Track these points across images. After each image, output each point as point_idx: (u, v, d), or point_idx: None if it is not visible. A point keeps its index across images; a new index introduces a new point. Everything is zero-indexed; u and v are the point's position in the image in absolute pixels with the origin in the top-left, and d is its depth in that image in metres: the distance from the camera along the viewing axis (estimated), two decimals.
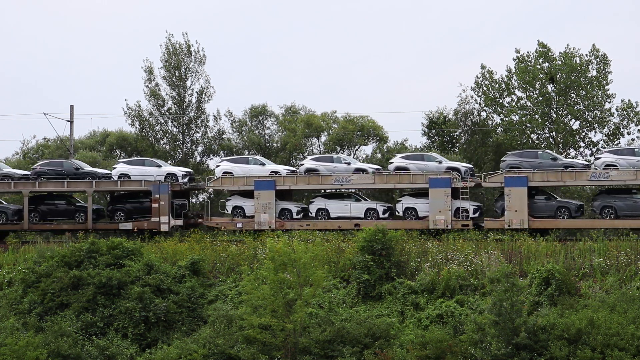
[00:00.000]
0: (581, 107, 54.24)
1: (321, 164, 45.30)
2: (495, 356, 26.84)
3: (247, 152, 60.14)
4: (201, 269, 36.09)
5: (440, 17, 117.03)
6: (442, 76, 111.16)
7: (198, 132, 59.81)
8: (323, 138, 60.16)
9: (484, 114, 56.86)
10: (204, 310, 33.69)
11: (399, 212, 43.32)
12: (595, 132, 55.02)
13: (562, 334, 27.23)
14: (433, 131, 56.83)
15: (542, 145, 53.71)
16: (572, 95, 54.41)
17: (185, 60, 58.73)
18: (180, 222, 44.45)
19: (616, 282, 31.97)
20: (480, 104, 56.60)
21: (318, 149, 59.84)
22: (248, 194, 44.66)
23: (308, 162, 46.04)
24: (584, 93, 54.05)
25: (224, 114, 61.67)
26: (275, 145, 60.71)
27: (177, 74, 58.71)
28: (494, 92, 56.01)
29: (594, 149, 54.81)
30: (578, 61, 54.28)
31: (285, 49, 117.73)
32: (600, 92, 53.99)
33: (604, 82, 54.20)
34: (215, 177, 45.80)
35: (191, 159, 58.78)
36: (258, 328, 29.50)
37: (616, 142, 54.93)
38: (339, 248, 36.84)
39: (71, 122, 55.89)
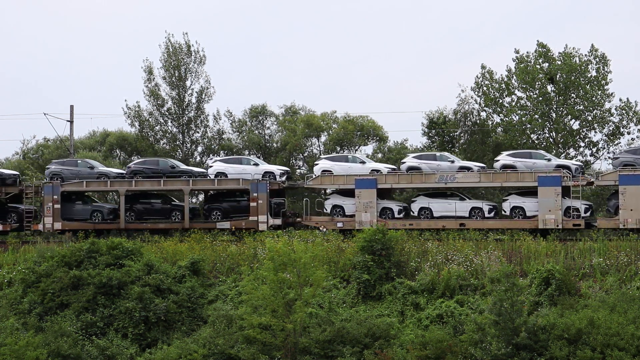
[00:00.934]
0: (581, 107, 54.25)
1: (424, 162, 44.16)
2: (495, 356, 26.84)
3: (247, 152, 60.18)
4: (201, 269, 36.08)
5: (440, 17, 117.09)
6: (442, 76, 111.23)
7: (198, 132, 59.83)
8: (323, 138, 60.19)
9: (483, 114, 56.88)
10: (204, 310, 33.69)
11: (505, 211, 42.47)
12: (595, 132, 55.05)
13: (562, 334, 27.23)
14: (433, 131, 56.82)
15: (542, 146, 53.70)
16: (572, 95, 54.43)
17: (185, 60, 58.73)
18: (278, 221, 43.66)
19: (616, 282, 31.97)
20: (480, 104, 56.62)
21: (318, 149, 59.86)
22: (347, 193, 43.87)
23: (410, 160, 44.78)
24: (583, 93, 54.07)
25: (223, 113, 61.73)
26: (275, 145, 60.73)
27: (177, 74, 58.71)
28: (493, 92, 56.01)
29: (594, 149, 54.88)
30: (577, 61, 54.29)
31: (285, 49, 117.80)
32: (599, 92, 54.00)
33: (603, 82, 54.22)
34: (315, 176, 44.89)
35: (191, 159, 58.77)
36: (258, 328, 29.49)
37: (616, 142, 54.98)
38: (339, 248, 36.83)
39: (71, 122, 55.91)
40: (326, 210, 44.60)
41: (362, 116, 60.12)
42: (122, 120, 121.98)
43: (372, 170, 44.34)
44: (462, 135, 57.31)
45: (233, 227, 43.56)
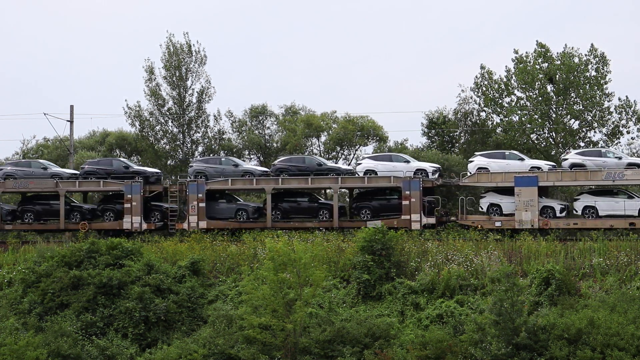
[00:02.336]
0: (580, 107, 54.26)
1: (588, 159, 42.49)
2: (495, 356, 26.84)
3: (247, 152, 60.18)
4: (201, 269, 36.08)
5: (440, 17, 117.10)
6: (442, 76, 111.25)
7: (198, 132, 59.85)
8: (323, 138, 60.22)
9: (483, 114, 56.91)
10: (204, 310, 33.69)
11: None
12: (595, 131, 55.10)
13: (562, 334, 27.22)
14: (433, 131, 56.85)
15: (542, 146, 53.73)
16: (572, 95, 54.45)
17: (186, 60, 58.75)
18: (432, 220, 42.38)
19: (616, 282, 31.96)
20: (479, 104, 56.65)
21: (318, 149, 59.88)
22: (504, 191, 42.43)
23: (573, 157, 43.02)
24: (582, 93, 54.09)
25: (224, 114, 61.75)
26: (275, 145, 60.74)
27: (177, 74, 58.73)
28: (493, 93, 56.04)
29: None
30: (577, 61, 54.30)
31: (285, 49, 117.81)
32: (599, 92, 54.01)
33: (603, 81, 54.23)
34: (470, 174, 43.45)
35: (191, 159, 58.80)
36: (258, 328, 29.49)
37: (615, 142, 55.01)
38: (339, 248, 36.83)
39: (71, 122, 55.91)
40: (482, 208, 43.17)
41: (362, 116, 60.20)
42: (122, 120, 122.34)
43: (531, 167, 43.04)
44: (462, 135, 57.34)
45: (384, 226, 42.22)
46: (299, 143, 58.43)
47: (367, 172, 44.44)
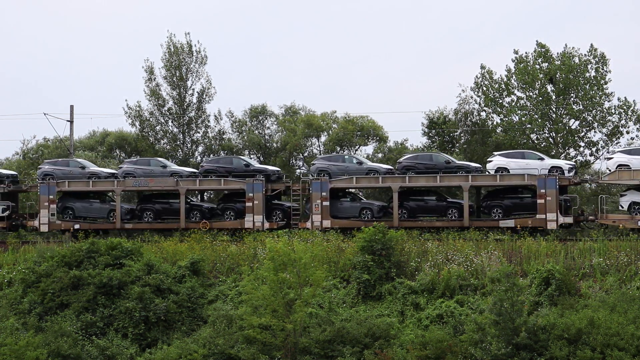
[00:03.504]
0: (580, 107, 54.27)
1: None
2: (495, 356, 26.84)
3: (247, 152, 60.18)
4: (201, 269, 36.09)
5: (440, 17, 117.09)
6: (442, 76, 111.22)
7: (198, 132, 59.86)
8: (323, 138, 60.21)
9: (483, 114, 56.91)
10: (204, 310, 33.69)
11: None
12: (595, 132, 55.10)
13: (562, 334, 27.22)
14: (433, 131, 56.84)
15: (542, 146, 53.73)
16: (572, 95, 54.46)
17: (186, 60, 58.75)
18: (569, 219, 41.02)
19: (616, 282, 31.97)
20: (480, 104, 56.66)
21: (318, 149, 59.88)
22: None
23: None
24: (582, 93, 54.10)
25: (224, 114, 61.76)
26: (275, 145, 60.74)
27: (177, 74, 58.75)
28: (493, 93, 56.05)
29: (594, 149, 54.89)
30: (577, 61, 54.31)
31: (285, 49, 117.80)
32: (599, 92, 54.01)
33: (603, 81, 54.25)
34: (610, 171, 41.49)
35: (191, 159, 58.80)
36: (258, 328, 29.49)
37: (615, 142, 55.03)
38: (339, 248, 36.84)
39: (71, 122, 55.95)
40: (622, 207, 41.40)
41: (362, 116, 60.20)
42: (122, 120, 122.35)
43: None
44: (462, 135, 57.33)
45: (518, 226, 41.00)
46: (298, 143, 58.43)
47: (498, 169, 43.14)
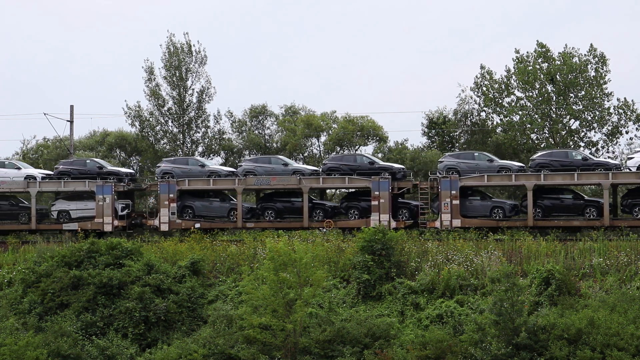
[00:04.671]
0: (580, 107, 54.30)
1: None
2: (495, 356, 26.83)
3: (247, 152, 60.19)
4: (201, 269, 36.09)
5: (440, 17, 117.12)
6: (442, 76, 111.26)
7: (198, 132, 59.87)
8: (323, 138, 60.23)
9: (483, 114, 56.94)
10: (204, 310, 33.69)
11: None
12: (595, 131, 55.14)
13: (562, 334, 27.21)
14: (433, 131, 56.86)
15: (542, 145, 53.74)
16: (571, 95, 54.49)
17: (186, 60, 58.76)
18: None
19: (616, 282, 31.96)
20: (479, 104, 56.68)
21: (318, 149, 59.90)
22: None
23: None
24: (583, 93, 54.13)
25: (224, 114, 61.77)
26: (275, 145, 60.75)
27: (177, 74, 58.76)
28: (493, 93, 56.07)
29: (593, 149, 54.90)
30: (577, 61, 54.34)
31: (285, 49, 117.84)
32: (598, 92, 54.04)
33: (602, 81, 54.29)
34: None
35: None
36: (258, 328, 29.49)
37: (615, 142, 55.08)
38: (339, 248, 36.83)
39: (71, 122, 55.95)
40: None
41: (362, 116, 60.26)
42: (122, 120, 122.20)
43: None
44: (462, 135, 57.35)
45: None
46: (298, 143, 58.44)
47: None
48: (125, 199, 47.03)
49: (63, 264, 35.06)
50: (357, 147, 59.57)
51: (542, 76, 54.47)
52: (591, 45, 54.85)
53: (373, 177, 43.02)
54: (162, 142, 59.94)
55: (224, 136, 60.86)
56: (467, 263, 34.16)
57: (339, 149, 58.77)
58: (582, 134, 55.17)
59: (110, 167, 48.22)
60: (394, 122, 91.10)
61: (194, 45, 58.90)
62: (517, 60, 55.68)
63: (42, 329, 31.98)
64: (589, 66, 54.44)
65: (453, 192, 42.02)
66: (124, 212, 46.11)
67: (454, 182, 42.17)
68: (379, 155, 57.59)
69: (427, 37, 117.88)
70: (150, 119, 59.28)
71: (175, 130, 59.52)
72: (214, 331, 31.07)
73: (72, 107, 56.02)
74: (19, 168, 47.81)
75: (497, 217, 42.36)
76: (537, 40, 55.91)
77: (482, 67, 56.64)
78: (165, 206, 44.92)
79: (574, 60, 54.35)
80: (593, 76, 54.26)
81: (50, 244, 41.00)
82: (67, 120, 55.86)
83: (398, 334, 30.47)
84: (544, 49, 55.18)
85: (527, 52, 55.64)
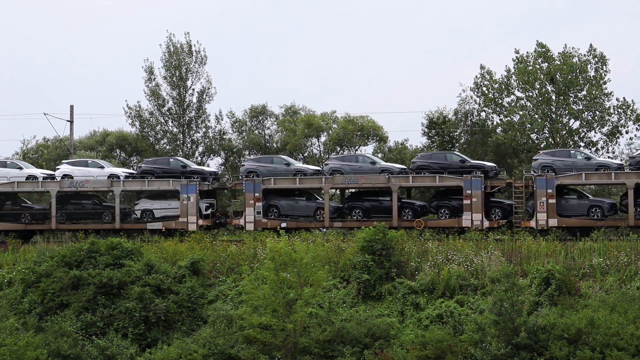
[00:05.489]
0: (580, 107, 54.32)
1: None
2: (495, 356, 26.82)
3: (247, 152, 60.19)
4: (201, 269, 36.09)
5: (440, 17, 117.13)
6: (442, 76, 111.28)
7: (199, 132, 59.89)
8: (323, 138, 60.25)
9: (483, 114, 56.95)
10: (204, 310, 33.69)
11: None
12: (595, 131, 55.16)
13: (562, 334, 27.21)
14: (433, 131, 56.88)
15: (542, 145, 53.74)
16: (571, 95, 54.51)
17: (186, 60, 58.78)
18: None
19: (616, 282, 31.95)
20: (479, 104, 56.69)
21: (318, 149, 59.93)
22: None
23: None
24: (583, 93, 54.16)
25: (225, 114, 61.83)
26: (275, 145, 60.77)
27: (177, 74, 58.78)
28: (493, 93, 56.08)
29: (593, 149, 54.93)
30: (577, 61, 54.36)
31: (285, 49, 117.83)
32: (598, 92, 54.05)
33: (602, 81, 54.31)
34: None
35: (192, 159, 58.84)
36: (258, 328, 29.49)
37: (615, 142, 55.09)
38: (339, 248, 36.83)
39: (71, 122, 55.98)
40: None
41: (362, 116, 60.34)
42: (122, 120, 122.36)
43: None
44: (462, 135, 57.36)
45: None
46: (298, 143, 58.45)
47: None
48: (208, 198, 46.52)
49: (63, 264, 35.05)
50: (357, 147, 59.59)
51: (542, 76, 54.50)
52: (591, 45, 54.95)
53: (465, 176, 42.33)
54: (162, 142, 59.98)
55: (225, 136, 60.88)
56: (467, 263, 34.16)
57: (339, 149, 58.79)
58: (582, 134, 55.17)
59: (194, 166, 47.74)
60: (394, 122, 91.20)
61: (194, 45, 58.99)
62: (517, 60, 55.71)
63: (42, 329, 31.97)
64: (589, 66, 54.46)
65: (549, 190, 40.90)
66: (208, 212, 45.69)
67: (550, 180, 41.11)
68: (379, 155, 57.60)
69: (427, 37, 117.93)
70: (151, 119, 59.31)
71: (175, 130, 59.54)
72: (214, 331, 31.07)
73: (72, 107, 56.08)
74: (102, 167, 47.39)
75: (595, 217, 41.35)
76: (537, 40, 56.01)
77: (482, 67, 56.68)
78: (250, 205, 44.26)
79: (574, 60, 54.37)
80: (593, 76, 54.29)
81: (50, 244, 41.00)
82: (67, 120, 55.89)
83: (398, 334, 30.46)
84: (543, 49, 55.20)
85: (527, 52, 55.72)
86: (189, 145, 59.73)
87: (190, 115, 59.22)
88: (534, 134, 55.22)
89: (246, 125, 61.50)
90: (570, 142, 54.80)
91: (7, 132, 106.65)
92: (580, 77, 54.14)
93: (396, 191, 43.07)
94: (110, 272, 33.88)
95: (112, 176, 46.52)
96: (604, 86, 54.35)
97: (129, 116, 59.46)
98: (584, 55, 54.70)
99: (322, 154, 59.06)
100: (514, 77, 55.68)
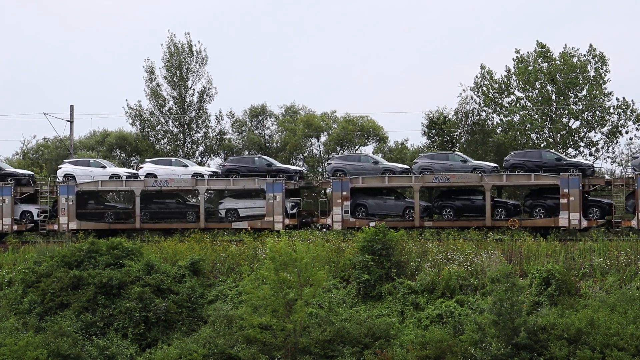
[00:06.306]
0: (580, 107, 54.31)
1: None
2: (495, 356, 26.83)
3: (247, 152, 60.16)
4: (201, 269, 36.10)
5: (440, 17, 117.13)
6: (442, 76, 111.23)
7: (199, 132, 59.88)
8: (323, 138, 60.21)
9: (483, 114, 56.92)
10: (204, 310, 33.70)
11: None
12: (595, 131, 55.12)
13: (562, 334, 27.22)
14: (433, 131, 56.83)
15: (542, 145, 53.73)
16: (571, 95, 54.50)
17: (186, 60, 58.77)
18: None
19: (616, 282, 31.97)
20: (479, 104, 56.67)
21: (318, 149, 59.88)
22: None
23: None
24: (583, 93, 54.13)
25: (226, 114, 61.79)
26: (275, 145, 60.74)
27: (178, 74, 58.77)
28: (493, 93, 56.07)
29: (593, 149, 54.91)
30: (577, 61, 54.35)
31: (285, 49, 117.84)
32: (598, 92, 54.02)
33: (602, 81, 54.30)
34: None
35: (192, 159, 58.82)
36: (258, 328, 29.49)
37: (615, 142, 55.05)
38: (339, 248, 36.83)
39: (71, 122, 55.93)
40: None
41: (362, 116, 60.21)
42: (122, 120, 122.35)
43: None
44: (462, 135, 57.31)
45: None
46: (298, 143, 58.43)
47: None
48: (293, 197, 46.04)
49: (63, 264, 35.06)
50: (357, 147, 59.55)
51: (542, 76, 54.48)
52: (591, 45, 54.91)
53: (562, 174, 41.22)
54: (162, 142, 59.97)
55: (225, 136, 60.86)
56: (467, 263, 34.16)
57: (338, 149, 58.75)
58: (582, 134, 55.16)
59: (279, 165, 47.20)
60: (394, 122, 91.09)
61: (194, 45, 58.97)
62: (517, 60, 55.69)
63: (42, 329, 31.99)
64: (589, 66, 54.44)
65: None
66: (294, 211, 45.00)
67: None
68: (379, 155, 57.59)
69: (427, 37, 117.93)
70: (151, 119, 59.30)
71: (175, 130, 59.54)
72: (214, 331, 31.08)
73: (72, 107, 56.02)
74: (185, 165, 46.96)
75: None
76: (537, 40, 55.96)
77: (482, 67, 56.64)
78: (337, 204, 43.44)
79: (574, 60, 54.35)
80: (593, 76, 54.27)
81: (50, 244, 41.00)
82: (67, 120, 55.85)
83: (398, 334, 30.47)
84: (544, 49, 55.17)
85: (527, 52, 55.68)
86: (189, 145, 59.72)
87: (190, 115, 59.21)
88: (534, 134, 55.19)
89: (246, 126, 61.48)
90: (570, 142, 54.80)
91: (7, 132, 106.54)
92: (580, 77, 54.11)
93: (489, 190, 42.18)
94: (110, 272, 33.88)
95: (196, 175, 45.94)
96: (604, 86, 54.31)
97: (130, 116, 59.49)
98: (584, 55, 54.69)
99: (322, 154, 59.05)
100: (514, 77, 55.64)
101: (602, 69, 54.46)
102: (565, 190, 40.71)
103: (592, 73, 54.34)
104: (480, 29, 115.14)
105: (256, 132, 61.35)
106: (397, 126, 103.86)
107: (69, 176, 46.87)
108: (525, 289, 31.24)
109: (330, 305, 32.49)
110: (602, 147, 54.94)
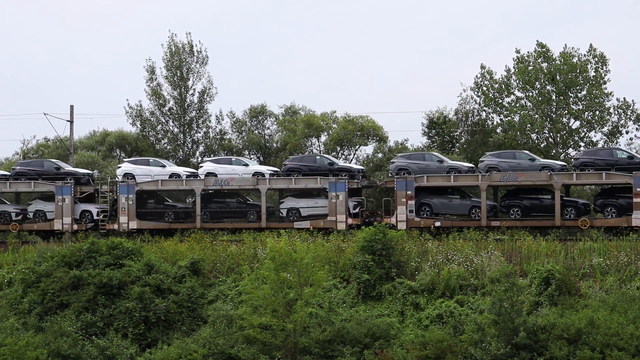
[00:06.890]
0: (580, 107, 54.33)
1: None
2: (495, 356, 26.83)
3: (247, 152, 60.19)
4: (201, 269, 36.09)
5: (440, 17, 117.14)
6: (442, 76, 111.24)
7: (199, 132, 59.89)
8: (323, 138, 60.23)
9: (483, 114, 56.93)
10: (204, 310, 33.70)
11: None
12: (595, 131, 55.16)
13: (562, 334, 27.22)
14: (433, 131, 56.85)
15: (542, 145, 53.76)
16: (571, 95, 54.52)
17: (187, 60, 58.79)
18: None
19: (616, 282, 31.96)
20: (479, 104, 56.69)
21: (318, 149, 59.88)
22: None
23: None
24: (583, 93, 54.15)
25: (226, 114, 61.80)
26: (275, 145, 60.75)
27: (178, 74, 58.79)
28: (493, 92, 56.08)
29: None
30: (577, 61, 54.36)
31: (285, 49, 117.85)
32: (598, 92, 54.05)
33: (602, 81, 54.32)
34: None
35: (192, 159, 58.82)
36: (258, 328, 29.49)
37: (615, 142, 55.05)
38: (339, 248, 36.83)
39: (71, 122, 55.89)
40: None
41: (362, 116, 60.22)
42: (122, 120, 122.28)
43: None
44: (462, 135, 57.33)
45: None
46: (298, 143, 58.43)
47: None
48: (356, 196, 45.57)
49: (63, 264, 35.05)
50: (357, 147, 59.53)
51: (542, 76, 54.50)
52: (591, 45, 54.94)
53: (635, 172, 40.20)
54: (162, 142, 59.99)
55: (225, 136, 60.86)
56: (467, 263, 34.16)
57: (338, 148, 58.75)
58: (583, 134, 55.18)
59: (341, 164, 46.75)
60: (394, 122, 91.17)
61: (195, 45, 58.99)
62: (517, 60, 55.71)
63: (42, 329, 31.99)
64: (589, 66, 54.46)
65: None
66: (357, 210, 44.53)
67: None
68: (379, 155, 57.61)
69: (427, 37, 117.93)
70: (152, 119, 59.32)
71: (176, 130, 59.56)
72: (214, 331, 31.08)
73: (72, 107, 55.95)
74: (246, 164, 46.53)
75: None
76: (537, 40, 55.99)
77: (482, 67, 56.66)
78: (402, 204, 42.67)
79: (574, 60, 54.37)
80: (593, 76, 54.29)
81: (50, 244, 40.99)
82: (67, 120, 55.80)
83: (398, 334, 30.47)
84: (544, 49, 55.19)
85: (527, 52, 55.71)
86: (189, 145, 59.74)
87: (191, 115, 59.23)
88: (534, 134, 55.21)
89: (246, 125, 61.49)
90: (571, 142, 54.83)
91: (7, 132, 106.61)
92: (580, 77, 54.14)
93: (558, 189, 41.38)
94: (110, 272, 33.88)
95: (257, 174, 45.47)
96: (604, 86, 54.35)
97: (130, 116, 59.52)
98: (584, 55, 54.71)
99: (322, 154, 59.04)
100: (514, 77, 55.67)
101: (602, 69, 54.51)
102: (639, 189, 39.84)
103: (592, 73, 54.37)
104: (480, 29, 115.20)
105: (256, 132, 61.36)
106: (397, 126, 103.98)
107: (128, 175, 46.57)
108: (525, 289, 31.23)
109: (330, 305, 32.48)
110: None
